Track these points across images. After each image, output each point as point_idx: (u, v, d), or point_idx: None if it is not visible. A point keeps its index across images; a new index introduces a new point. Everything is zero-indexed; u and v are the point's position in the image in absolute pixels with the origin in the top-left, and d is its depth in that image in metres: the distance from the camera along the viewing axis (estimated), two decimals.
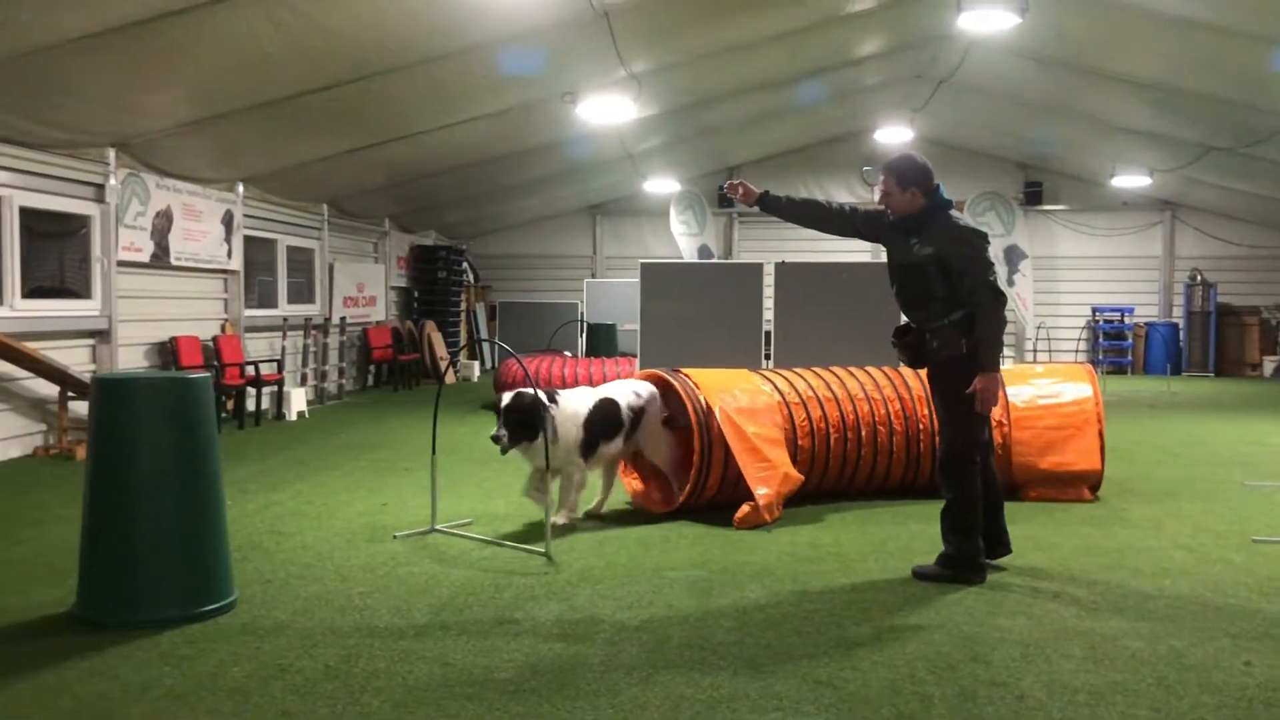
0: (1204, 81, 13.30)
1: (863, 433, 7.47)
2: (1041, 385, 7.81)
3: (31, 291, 9.61)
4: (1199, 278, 20.82)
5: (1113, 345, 20.94)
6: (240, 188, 12.73)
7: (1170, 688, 3.97)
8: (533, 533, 6.40)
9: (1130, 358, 21.03)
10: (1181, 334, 20.94)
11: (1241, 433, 11.64)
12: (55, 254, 10.24)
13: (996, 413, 7.28)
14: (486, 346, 21.14)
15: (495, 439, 6.39)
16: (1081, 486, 7.57)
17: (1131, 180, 18.91)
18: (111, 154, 10.19)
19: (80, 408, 9.38)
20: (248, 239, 13.12)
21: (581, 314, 19.20)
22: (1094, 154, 18.97)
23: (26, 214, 9.46)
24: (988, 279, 5.37)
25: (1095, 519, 7.01)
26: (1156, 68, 13.32)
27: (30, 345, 9.07)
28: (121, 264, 10.52)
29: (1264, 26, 11.05)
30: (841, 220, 5.84)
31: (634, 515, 7.10)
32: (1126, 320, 21.00)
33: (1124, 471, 8.72)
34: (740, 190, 5.82)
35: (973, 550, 5.46)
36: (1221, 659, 4.28)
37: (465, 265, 20.58)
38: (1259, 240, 20.84)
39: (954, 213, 5.57)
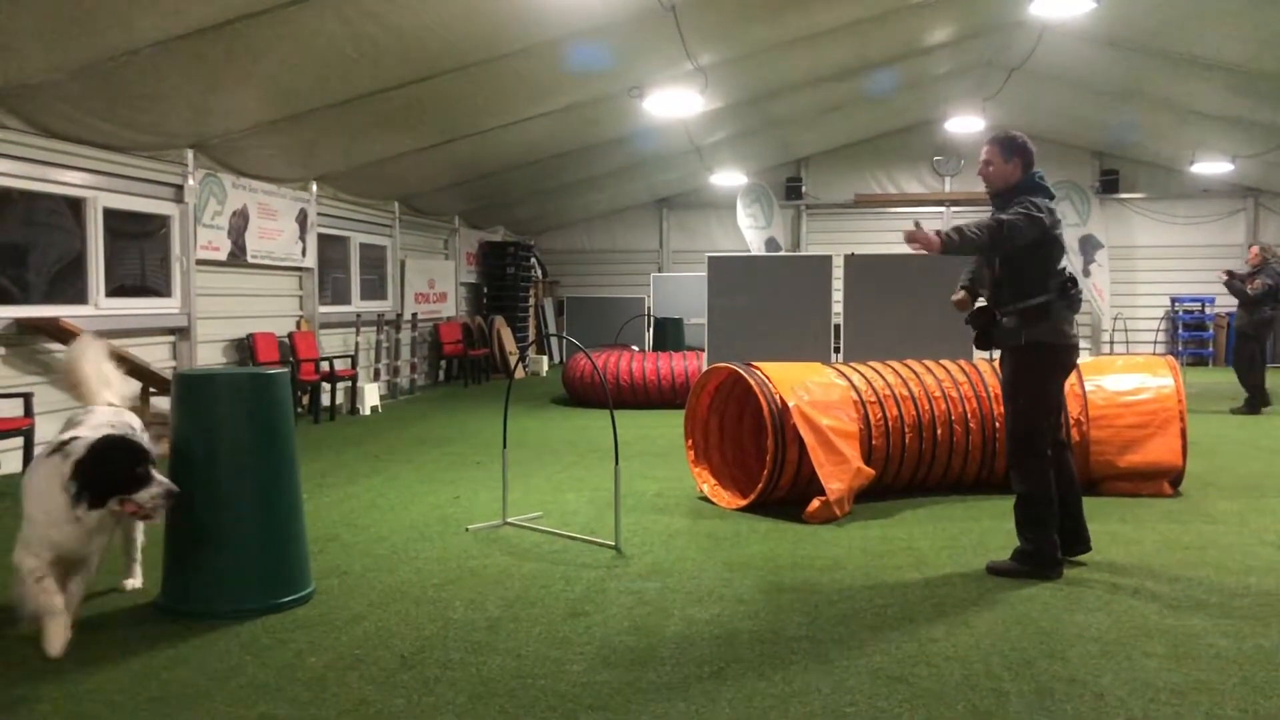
0: None
1: (938, 432, 7.36)
2: (1121, 380, 7.60)
3: (115, 290, 9.88)
4: None
5: (1193, 336, 20.41)
6: (314, 186, 12.97)
7: (1258, 687, 3.86)
8: (602, 527, 6.43)
9: (1211, 349, 20.48)
10: None
11: None
12: (137, 253, 10.51)
13: (1074, 411, 7.15)
14: (555, 341, 21.27)
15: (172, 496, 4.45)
16: (1161, 481, 7.39)
17: (1212, 167, 18.39)
18: (190, 155, 10.43)
19: (162, 403, 9.63)
20: (321, 237, 13.34)
21: (648, 308, 19.22)
22: (1172, 140, 18.49)
23: (110, 215, 9.72)
24: (1011, 235, 5.17)
25: (1176, 514, 6.85)
26: (1237, 50, 12.93)
27: (114, 342, 9.32)
28: (200, 263, 10.77)
29: None
30: None
31: (704, 510, 7.10)
32: (1207, 311, 20.45)
33: (1206, 465, 8.50)
34: (920, 239, 5.12)
35: (1048, 545, 5.36)
36: None
37: (533, 261, 20.74)
38: None
39: (1038, 200, 5.36)
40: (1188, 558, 5.74)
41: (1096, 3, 10.86)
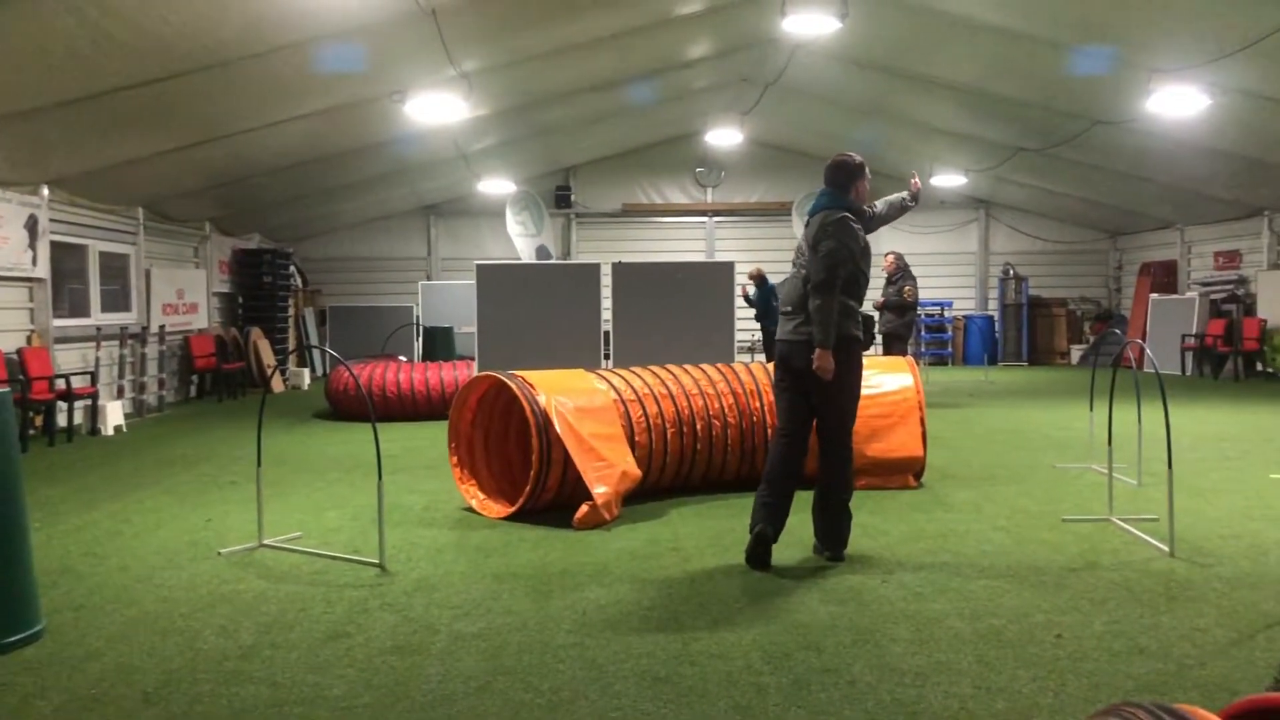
0: (1010, 85, 14.03)
1: (698, 426, 7.58)
2: (866, 376, 8.03)
3: None
4: (1011, 272, 21.97)
5: (934, 338, 21.87)
6: (45, 190, 11.97)
7: (989, 664, 4.15)
8: (365, 544, 6.23)
9: (950, 349, 22.02)
10: (997, 326, 22.06)
11: (1052, 418, 12.33)
12: None
13: None
14: (317, 353, 20.53)
15: None
16: (906, 474, 7.87)
17: (949, 180, 19.79)
18: None
19: None
20: (55, 245, 12.35)
21: (417, 317, 18.87)
22: (914, 155, 19.71)
23: None
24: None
25: (920, 505, 7.29)
26: (968, 72, 13.98)
27: None
28: None
29: (1061, 33, 11.75)
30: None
31: (473, 521, 7.00)
32: (946, 314, 21.96)
33: (946, 458, 9.11)
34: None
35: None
36: (1035, 634, 4.50)
37: (292, 269, 19.93)
38: (1064, 236, 22.18)
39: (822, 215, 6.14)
40: (930, 546, 6.13)
41: (842, 23, 11.46)
